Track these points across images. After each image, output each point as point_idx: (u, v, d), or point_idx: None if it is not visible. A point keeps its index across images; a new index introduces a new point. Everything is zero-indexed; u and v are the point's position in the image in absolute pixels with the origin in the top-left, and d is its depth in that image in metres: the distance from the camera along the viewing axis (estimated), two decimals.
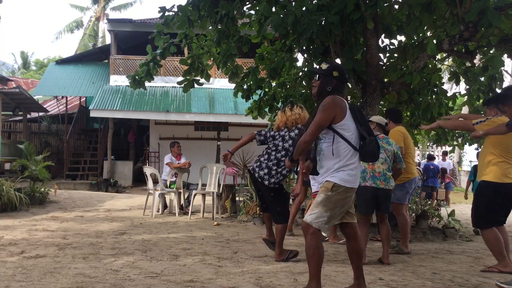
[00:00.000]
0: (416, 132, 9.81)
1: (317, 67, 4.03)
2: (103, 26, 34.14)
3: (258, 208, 8.57)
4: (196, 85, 9.67)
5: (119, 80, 17.99)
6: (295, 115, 5.50)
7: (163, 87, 18.25)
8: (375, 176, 5.70)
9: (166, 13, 8.61)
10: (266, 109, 10.20)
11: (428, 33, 8.66)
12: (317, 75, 3.89)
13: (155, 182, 10.08)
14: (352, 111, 3.76)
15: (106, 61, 20.44)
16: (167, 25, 8.66)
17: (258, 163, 5.51)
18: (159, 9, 8.62)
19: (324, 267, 4.77)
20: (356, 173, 3.74)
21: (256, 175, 5.43)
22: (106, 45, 21.97)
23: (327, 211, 3.65)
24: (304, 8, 7.28)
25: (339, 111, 3.66)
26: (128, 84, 9.60)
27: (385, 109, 9.92)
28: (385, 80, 8.17)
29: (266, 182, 5.36)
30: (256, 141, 5.68)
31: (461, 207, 13.45)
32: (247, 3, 8.49)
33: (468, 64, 8.93)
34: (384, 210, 5.76)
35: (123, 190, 16.87)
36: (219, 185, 9.33)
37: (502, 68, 8.53)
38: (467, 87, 9.20)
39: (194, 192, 9.32)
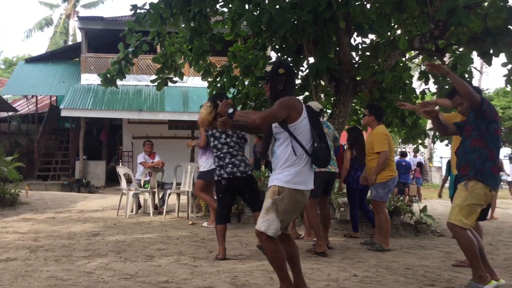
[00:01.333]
0: (389, 129, 9.93)
1: (266, 70, 3.96)
2: (74, 23, 33.55)
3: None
4: (169, 84, 9.61)
5: (91, 79, 17.73)
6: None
7: (135, 85, 18.06)
8: (332, 162, 6.09)
9: (138, 11, 8.53)
10: (239, 108, 10.20)
11: (399, 32, 8.78)
12: (266, 79, 3.86)
13: (129, 182, 9.97)
14: (308, 114, 3.71)
15: (77, 59, 20.12)
16: (139, 22, 8.57)
17: (231, 165, 5.34)
18: (131, 7, 8.52)
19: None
20: (304, 175, 3.62)
21: (238, 173, 5.30)
22: (77, 43, 21.65)
23: (278, 216, 3.55)
24: (277, 7, 7.30)
25: (294, 112, 3.61)
26: (100, 82, 9.48)
27: (358, 107, 10.03)
28: (358, 78, 8.25)
29: (238, 174, 5.28)
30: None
31: (432, 203, 13.70)
32: (220, 0, 8.47)
33: (438, 62, 9.08)
34: (330, 192, 6.39)
35: (96, 190, 16.65)
36: (194, 184, 9.27)
37: (471, 65, 8.69)
38: (436, 86, 9.36)
39: (168, 191, 9.25)
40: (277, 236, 3.58)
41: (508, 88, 28.21)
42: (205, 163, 7.90)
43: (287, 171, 3.58)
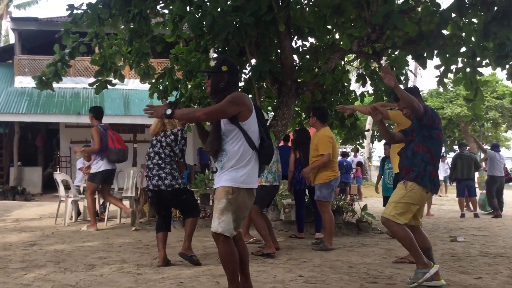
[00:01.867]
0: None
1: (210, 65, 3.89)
2: (7, 24, 32.02)
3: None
4: (109, 86, 9.38)
5: (25, 82, 17.02)
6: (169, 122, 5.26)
7: (73, 88, 17.51)
8: (279, 176, 6.24)
9: (75, 11, 8.26)
10: None
11: (337, 36, 8.99)
12: (208, 75, 3.77)
13: (68, 188, 9.61)
14: (256, 112, 3.69)
15: (10, 61, 19.24)
16: (76, 23, 8.31)
17: (157, 177, 5.18)
18: (67, 7, 8.25)
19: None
20: (254, 173, 3.64)
21: (163, 187, 5.14)
22: (10, 45, 20.72)
23: (233, 215, 3.53)
24: (219, 9, 7.28)
25: (245, 109, 3.57)
26: (35, 85, 9.11)
27: (298, 109, 10.19)
28: (299, 80, 8.37)
29: (163, 187, 5.13)
30: None
31: (372, 201, 14.10)
32: (161, 2, 8.35)
33: (375, 65, 9.38)
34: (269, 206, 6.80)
35: (32, 198, 15.95)
36: (136, 189, 9.07)
37: (407, 68, 9.03)
38: (373, 88, 9.68)
39: None
40: (232, 235, 3.56)
41: (441, 89, 29.63)
42: (95, 165, 8.06)
43: (240, 171, 3.55)
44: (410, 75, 12.27)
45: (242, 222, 3.78)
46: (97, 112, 8.39)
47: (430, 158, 4.27)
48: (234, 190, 3.53)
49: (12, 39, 23.33)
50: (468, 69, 7.81)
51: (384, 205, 9.20)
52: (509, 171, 13.31)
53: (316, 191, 6.51)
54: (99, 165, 8.01)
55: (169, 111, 3.48)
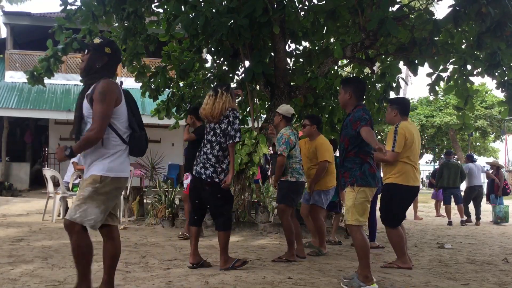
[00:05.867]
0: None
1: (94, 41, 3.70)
2: None
3: (167, 211, 8.43)
4: None
5: (16, 77, 16.91)
6: (222, 103, 4.86)
7: (64, 84, 17.41)
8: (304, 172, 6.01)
9: (69, 7, 8.24)
10: (174, 110, 10.08)
11: (332, 40, 9.03)
12: (87, 49, 3.49)
13: (56, 185, 9.54)
14: (126, 99, 3.49)
15: (1, 56, 19.09)
16: (69, 19, 8.30)
17: (201, 165, 4.95)
18: (61, 2, 8.22)
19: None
20: (123, 161, 3.44)
21: (203, 176, 4.90)
22: (1, 39, 20.52)
23: (98, 206, 3.32)
24: (214, 10, 7.30)
25: (115, 97, 3.37)
26: (26, 80, 9.05)
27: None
28: (292, 83, 8.40)
29: (203, 176, 4.88)
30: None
31: None
32: (155, 1, 8.34)
33: (367, 70, 9.44)
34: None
35: (19, 193, 15.81)
36: (126, 187, 9.03)
37: (399, 76, 9.10)
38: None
39: None
40: (95, 229, 3.41)
41: (431, 98, 29.80)
42: None
43: (108, 159, 3.38)
44: (402, 83, 12.35)
45: (106, 214, 3.46)
46: None
47: (363, 159, 4.45)
48: (102, 179, 3.35)
49: (3, 33, 23.12)
50: (459, 77, 7.89)
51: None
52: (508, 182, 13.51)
53: (315, 196, 6.42)
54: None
55: (67, 152, 3.34)
